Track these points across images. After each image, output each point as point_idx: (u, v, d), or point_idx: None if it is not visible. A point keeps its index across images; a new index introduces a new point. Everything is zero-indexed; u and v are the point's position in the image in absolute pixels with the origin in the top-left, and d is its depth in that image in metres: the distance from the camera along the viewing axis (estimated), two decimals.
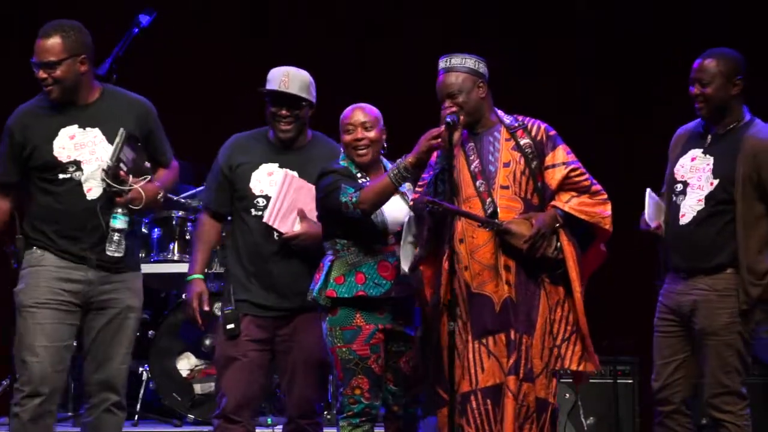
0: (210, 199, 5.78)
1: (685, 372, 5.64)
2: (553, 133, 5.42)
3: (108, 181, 5.20)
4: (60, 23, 5.34)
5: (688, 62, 5.73)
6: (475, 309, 5.32)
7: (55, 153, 5.29)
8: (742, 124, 5.60)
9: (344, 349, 5.46)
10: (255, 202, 5.65)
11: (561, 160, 5.38)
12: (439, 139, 5.22)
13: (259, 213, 5.64)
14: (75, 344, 5.45)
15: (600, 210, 5.36)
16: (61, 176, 5.29)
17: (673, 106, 5.92)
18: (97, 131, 5.32)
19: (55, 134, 5.30)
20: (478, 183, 5.37)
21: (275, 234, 5.61)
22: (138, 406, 7.55)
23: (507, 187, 5.35)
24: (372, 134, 5.51)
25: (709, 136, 5.63)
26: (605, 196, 5.38)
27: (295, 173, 5.67)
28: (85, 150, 5.30)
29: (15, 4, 8.84)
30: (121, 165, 5.24)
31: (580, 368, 5.37)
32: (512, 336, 5.26)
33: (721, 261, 5.54)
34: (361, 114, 5.54)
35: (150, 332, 7.72)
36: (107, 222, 5.25)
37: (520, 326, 5.27)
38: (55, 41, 5.28)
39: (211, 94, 8.73)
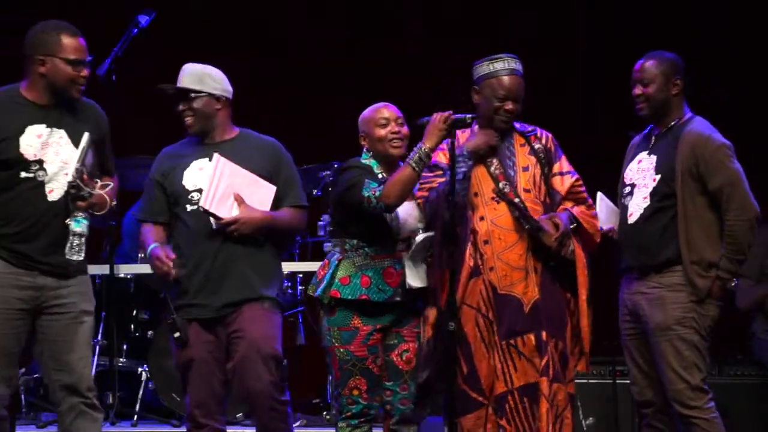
0: (146, 210, 5.65)
1: (655, 371, 5.64)
2: (556, 142, 5.58)
3: (78, 183, 5.13)
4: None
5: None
6: (502, 310, 5.36)
7: (22, 150, 5.21)
8: (682, 122, 5.67)
9: (342, 350, 5.46)
10: (189, 197, 5.51)
11: (566, 168, 5.56)
12: (448, 122, 5.25)
13: (195, 206, 5.50)
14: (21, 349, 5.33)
15: (595, 222, 5.57)
16: (23, 174, 5.20)
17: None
18: (63, 132, 5.26)
19: (22, 131, 5.22)
20: (501, 184, 5.40)
21: (213, 221, 5.44)
22: (137, 407, 7.54)
23: (529, 191, 5.46)
24: (405, 129, 5.52)
25: (653, 137, 5.72)
26: (595, 211, 5.62)
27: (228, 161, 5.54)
28: (49, 150, 5.23)
29: (15, 4, 8.84)
30: (84, 169, 5.19)
31: (578, 367, 5.53)
32: (543, 337, 5.34)
33: (668, 256, 5.56)
34: (393, 110, 5.57)
35: (149, 332, 7.72)
36: (61, 225, 5.18)
37: (550, 328, 5.36)
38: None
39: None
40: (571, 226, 5.46)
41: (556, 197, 5.51)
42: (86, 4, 8.80)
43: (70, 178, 5.15)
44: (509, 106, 5.47)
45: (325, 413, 7.64)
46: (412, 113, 5.51)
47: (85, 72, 5.26)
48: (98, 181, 5.26)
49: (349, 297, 5.42)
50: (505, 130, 5.52)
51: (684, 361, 5.52)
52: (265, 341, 5.44)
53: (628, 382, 5.89)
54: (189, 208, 5.51)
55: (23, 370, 7.72)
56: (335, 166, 7.77)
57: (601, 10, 8.99)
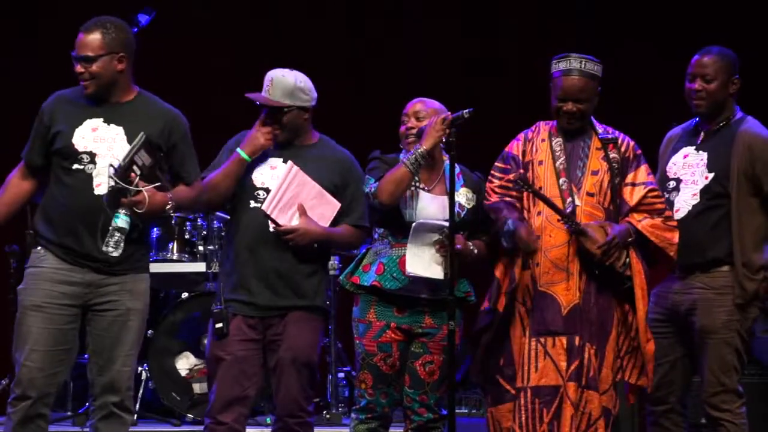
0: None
1: (678, 372, 5.65)
2: (639, 152, 5.52)
3: (115, 178, 5.16)
4: (102, 19, 5.32)
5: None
6: (539, 307, 5.36)
7: (74, 140, 5.24)
8: (734, 121, 5.64)
9: (357, 342, 5.51)
10: (255, 194, 5.56)
11: (642, 179, 5.48)
12: (445, 123, 5.29)
13: (258, 205, 5.55)
14: (76, 346, 5.36)
15: (669, 236, 5.46)
16: (74, 166, 5.24)
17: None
18: (120, 129, 5.28)
19: (80, 123, 5.26)
20: (561, 181, 5.41)
21: (271, 225, 5.51)
22: (137, 406, 7.54)
23: (593, 195, 5.43)
24: (423, 124, 5.49)
25: (702, 133, 5.67)
26: (675, 224, 5.50)
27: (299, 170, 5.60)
28: (103, 144, 5.25)
29: (16, 3, 8.84)
30: (134, 167, 5.18)
31: (639, 383, 5.48)
32: (576, 342, 5.33)
33: (716, 255, 5.55)
34: (418, 105, 5.58)
35: (149, 332, 7.71)
36: (105, 219, 5.18)
37: (587, 334, 5.34)
38: (95, 37, 5.26)
39: (211, 94, 8.73)
40: (629, 239, 5.38)
41: (624, 207, 5.45)
42: (86, 3, 8.80)
43: (111, 171, 5.17)
44: (568, 106, 5.45)
45: (324, 412, 7.65)
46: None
47: (78, 68, 5.27)
48: (156, 181, 5.27)
49: (365, 284, 5.46)
50: (574, 131, 5.48)
51: (725, 365, 5.52)
52: (304, 350, 5.50)
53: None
54: (252, 204, 5.55)
55: None
56: None
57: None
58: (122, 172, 5.16)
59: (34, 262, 5.28)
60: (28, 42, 8.80)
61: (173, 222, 7.90)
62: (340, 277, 5.62)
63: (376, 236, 5.55)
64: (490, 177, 5.50)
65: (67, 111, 5.29)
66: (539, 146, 5.46)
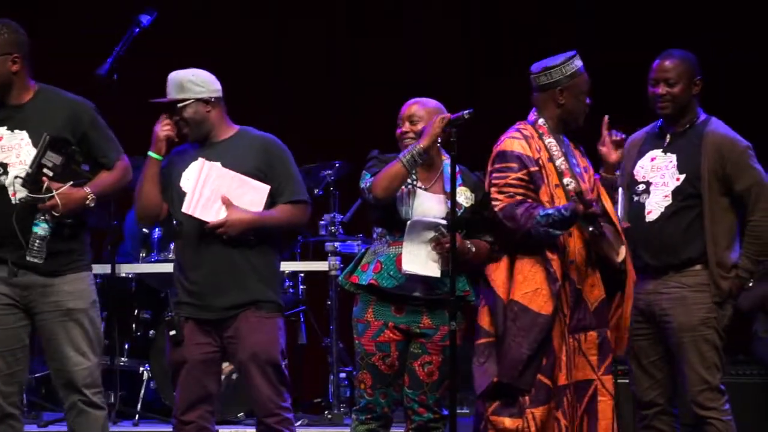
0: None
1: (664, 372, 5.66)
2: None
3: (25, 188, 5.14)
4: None
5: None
6: (574, 304, 5.38)
7: None
8: (699, 122, 5.68)
9: (356, 342, 5.49)
10: (184, 200, 5.49)
11: None
12: (444, 122, 5.27)
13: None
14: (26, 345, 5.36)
15: None
16: None
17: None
18: (24, 134, 5.24)
19: None
20: (566, 180, 5.41)
21: (204, 225, 5.43)
22: (138, 406, 7.55)
23: (590, 191, 5.44)
24: (418, 127, 5.49)
25: (668, 136, 5.70)
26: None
27: (217, 163, 5.50)
28: (11, 153, 5.23)
29: (14, 5, 8.84)
30: (45, 170, 5.16)
31: None
32: (607, 335, 5.40)
33: (689, 255, 5.58)
34: (413, 108, 5.55)
35: (150, 332, 7.72)
36: (22, 228, 5.17)
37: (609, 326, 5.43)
38: None
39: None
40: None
41: None
42: (88, 3, 8.81)
43: (20, 181, 5.16)
44: (589, 101, 5.51)
45: (326, 412, 7.64)
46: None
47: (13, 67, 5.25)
48: (75, 182, 5.25)
49: (363, 282, 5.44)
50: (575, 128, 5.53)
51: (706, 362, 5.53)
52: (263, 347, 5.44)
53: (628, 381, 5.89)
54: (184, 209, 5.50)
55: None
56: (336, 165, 7.79)
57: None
58: (31, 180, 5.15)
59: None
60: (43, 44, 8.80)
61: (174, 222, 7.88)
62: (340, 278, 5.61)
63: (375, 236, 5.54)
64: (491, 180, 5.42)
65: None
66: (539, 144, 5.45)
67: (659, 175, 5.67)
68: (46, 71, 8.76)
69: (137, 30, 7.00)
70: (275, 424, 5.46)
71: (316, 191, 7.75)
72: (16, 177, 5.16)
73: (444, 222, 5.35)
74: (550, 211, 5.27)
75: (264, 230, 5.49)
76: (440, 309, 5.40)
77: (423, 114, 5.50)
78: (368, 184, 5.39)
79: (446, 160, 5.51)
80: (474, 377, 5.43)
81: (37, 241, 5.19)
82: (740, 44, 8.74)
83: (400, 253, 5.38)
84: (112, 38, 7.03)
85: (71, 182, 5.22)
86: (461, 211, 5.42)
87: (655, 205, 5.64)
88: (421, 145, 5.32)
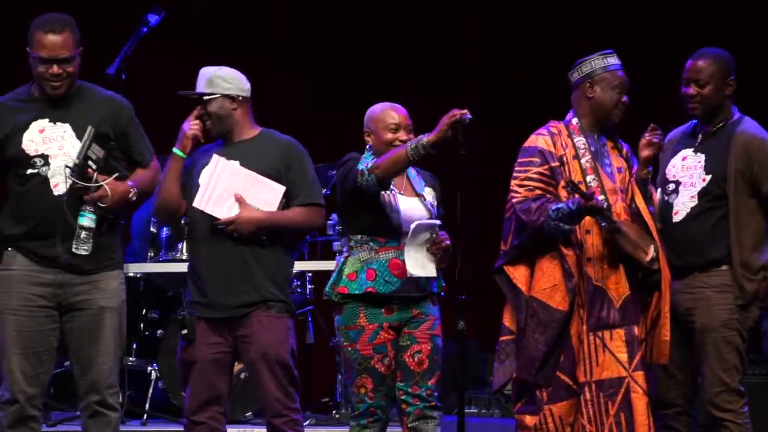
0: None
1: (686, 373, 5.65)
2: (631, 155, 5.58)
3: (73, 178, 5.14)
4: (65, 18, 5.27)
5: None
6: (594, 301, 5.37)
7: (23, 146, 5.21)
8: (731, 122, 5.64)
9: (349, 349, 5.48)
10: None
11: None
12: (453, 119, 5.24)
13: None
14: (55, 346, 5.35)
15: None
16: (29, 171, 5.22)
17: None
18: (67, 126, 5.25)
19: (26, 127, 5.23)
20: (589, 178, 5.41)
21: (214, 222, 5.44)
22: (147, 406, 7.56)
23: (624, 191, 5.47)
24: (412, 135, 5.52)
25: (700, 135, 5.67)
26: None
27: (235, 162, 5.52)
28: (53, 144, 5.23)
29: (22, 4, 8.85)
30: (90, 162, 5.17)
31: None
32: (635, 332, 5.38)
33: (715, 257, 5.55)
34: (403, 114, 5.58)
35: (159, 332, 7.73)
36: (74, 218, 5.17)
37: (639, 323, 5.41)
38: (67, 36, 5.22)
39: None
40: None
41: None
42: (96, 3, 8.82)
43: (68, 172, 5.15)
44: (626, 98, 5.50)
45: (334, 412, 7.65)
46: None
47: (54, 69, 5.21)
48: (117, 174, 5.27)
49: (356, 291, 5.44)
50: (610, 126, 5.53)
51: (725, 364, 5.52)
52: (273, 347, 5.45)
53: None
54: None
55: None
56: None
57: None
58: (79, 170, 5.15)
59: (5, 264, 5.27)
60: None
61: (183, 221, 7.89)
62: (326, 289, 5.55)
63: (352, 244, 5.52)
64: (514, 174, 5.46)
65: (11, 117, 5.25)
66: (567, 141, 5.47)
67: (688, 175, 5.63)
68: None
69: (145, 30, 7.01)
70: (282, 424, 5.46)
71: (323, 191, 7.75)
72: (65, 166, 5.16)
73: (439, 222, 5.45)
74: (560, 205, 5.30)
75: (275, 231, 5.49)
76: (424, 300, 5.51)
77: (410, 122, 5.57)
78: (370, 164, 5.35)
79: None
80: (493, 375, 5.50)
81: (84, 232, 5.18)
82: (745, 42, 8.74)
83: (392, 259, 5.45)
84: (121, 38, 7.04)
85: (113, 175, 5.25)
86: (435, 209, 5.58)
87: (682, 206, 5.61)
88: (431, 138, 5.29)
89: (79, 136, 5.22)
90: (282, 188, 5.49)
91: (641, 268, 5.42)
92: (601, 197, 5.39)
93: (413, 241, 5.40)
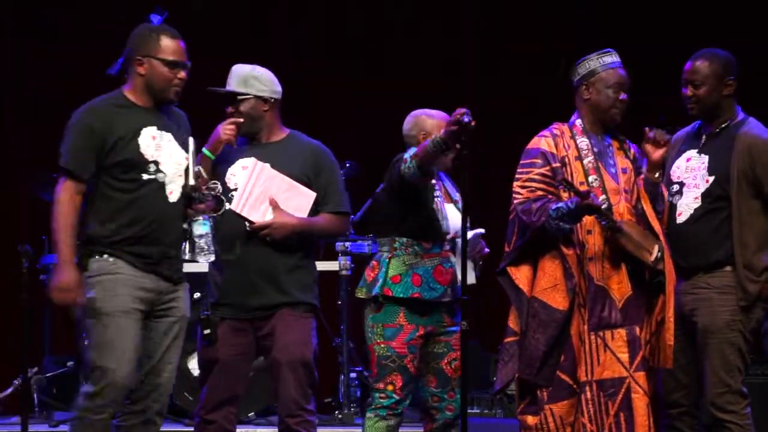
0: None
1: (691, 374, 5.64)
2: (640, 155, 5.57)
3: (200, 188, 5.24)
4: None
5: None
6: (595, 302, 5.38)
7: (142, 150, 5.22)
8: (735, 123, 5.63)
9: (383, 346, 5.51)
10: (230, 196, 5.53)
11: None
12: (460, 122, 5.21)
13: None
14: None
15: (658, 228, 5.52)
16: (144, 176, 5.21)
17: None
18: (170, 136, 5.29)
19: (139, 132, 5.24)
20: (591, 178, 5.42)
21: (247, 224, 5.49)
22: None
23: (628, 192, 5.47)
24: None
25: (704, 136, 5.67)
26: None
27: (267, 164, 5.57)
28: (164, 152, 5.26)
29: (18, 5, 8.86)
30: (202, 172, 5.31)
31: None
32: (637, 332, 5.39)
33: (718, 258, 5.55)
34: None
35: None
36: (180, 227, 5.26)
37: (642, 323, 5.41)
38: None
39: (213, 94, 8.73)
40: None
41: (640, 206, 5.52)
42: (98, 4, 8.82)
43: (192, 182, 5.23)
44: (624, 96, 5.50)
45: (336, 412, 7.65)
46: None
47: (182, 74, 5.27)
48: (216, 182, 5.39)
49: (401, 295, 5.49)
50: (613, 126, 5.53)
51: (728, 365, 5.51)
52: (296, 347, 5.48)
53: None
54: (227, 206, 5.52)
55: (35, 369, 7.75)
56: (346, 165, 7.79)
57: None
58: (198, 178, 5.25)
59: (105, 269, 5.17)
60: (49, 45, 8.84)
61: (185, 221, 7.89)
62: (374, 290, 5.55)
63: (396, 245, 5.55)
64: (516, 176, 5.47)
65: (122, 121, 5.24)
66: (569, 143, 5.48)
67: (692, 176, 5.63)
68: (55, 71, 8.83)
69: None
70: (295, 424, 5.50)
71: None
72: (192, 172, 5.23)
73: (483, 231, 5.67)
74: (560, 205, 5.31)
75: (308, 236, 5.55)
76: (452, 308, 5.58)
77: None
78: (411, 152, 5.37)
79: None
80: (496, 375, 5.52)
81: (203, 239, 5.24)
82: (746, 39, 8.74)
83: (437, 265, 5.55)
84: (123, 38, 7.04)
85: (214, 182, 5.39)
86: None
87: (685, 207, 5.61)
88: (441, 135, 5.26)
89: (180, 146, 5.28)
90: (313, 195, 5.55)
91: (646, 269, 5.42)
92: (602, 197, 5.40)
93: (471, 251, 5.48)
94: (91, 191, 5.22)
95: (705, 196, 5.58)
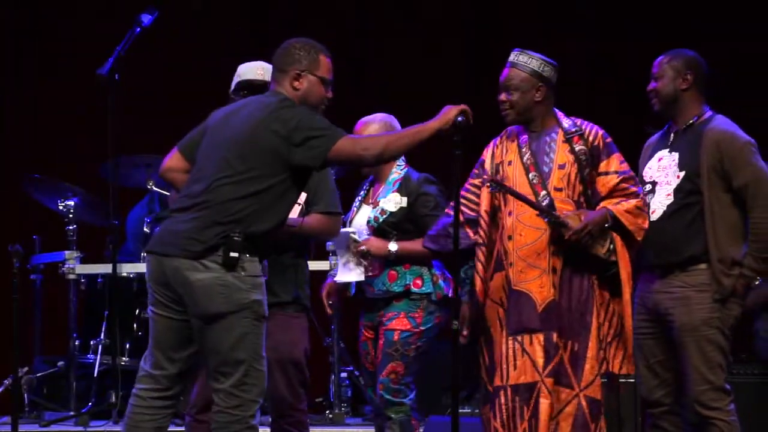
0: None
1: (670, 371, 5.64)
2: (609, 140, 5.52)
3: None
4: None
5: None
6: (514, 306, 5.38)
7: None
8: (702, 120, 5.67)
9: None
10: None
11: (614, 168, 5.49)
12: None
13: None
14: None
15: (640, 221, 5.47)
16: None
17: None
18: None
19: None
20: (531, 176, 5.43)
21: None
22: None
23: (561, 189, 5.44)
24: None
25: (672, 135, 5.71)
26: (647, 210, 5.54)
27: None
28: None
29: (17, 5, 8.85)
30: None
31: (622, 371, 5.51)
32: (554, 339, 5.34)
33: (692, 253, 5.55)
34: None
35: None
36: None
37: (565, 330, 5.36)
38: None
39: (213, 94, 8.73)
40: (606, 224, 5.40)
41: (596, 197, 5.48)
42: (88, 3, 8.82)
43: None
44: (501, 96, 5.55)
45: (327, 412, 7.65)
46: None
47: (330, 93, 5.28)
48: None
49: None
50: (516, 123, 5.57)
51: (709, 362, 5.50)
52: (287, 346, 5.48)
53: (630, 380, 5.88)
54: None
55: (26, 369, 7.74)
56: None
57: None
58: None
59: (258, 271, 5.00)
60: (49, 45, 8.84)
61: None
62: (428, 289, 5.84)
63: None
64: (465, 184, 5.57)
65: None
66: (509, 147, 5.52)
67: (664, 174, 5.66)
68: (49, 71, 8.82)
69: (138, 30, 7.00)
70: (287, 425, 5.50)
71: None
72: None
73: (352, 230, 5.80)
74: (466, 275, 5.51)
75: (301, 236, 5.54)
76: (377, 305, 5.89)
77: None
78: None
79: (395, 174, 5.86)
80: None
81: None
82: (744, 37, 8.76)
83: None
84: (114, 38, 7.04)
85: None
86: (384, 216, 5.79)
87: (659, 204, 5.62)
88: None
89: None
90: (302, 195, 5.50)
91: (599, 263, 5.41)
92: (542, 193, 5.40)
93: (339, 250, 5.75)
94: (264, 189, 4.99)
95: (677, 191, 5.60)
